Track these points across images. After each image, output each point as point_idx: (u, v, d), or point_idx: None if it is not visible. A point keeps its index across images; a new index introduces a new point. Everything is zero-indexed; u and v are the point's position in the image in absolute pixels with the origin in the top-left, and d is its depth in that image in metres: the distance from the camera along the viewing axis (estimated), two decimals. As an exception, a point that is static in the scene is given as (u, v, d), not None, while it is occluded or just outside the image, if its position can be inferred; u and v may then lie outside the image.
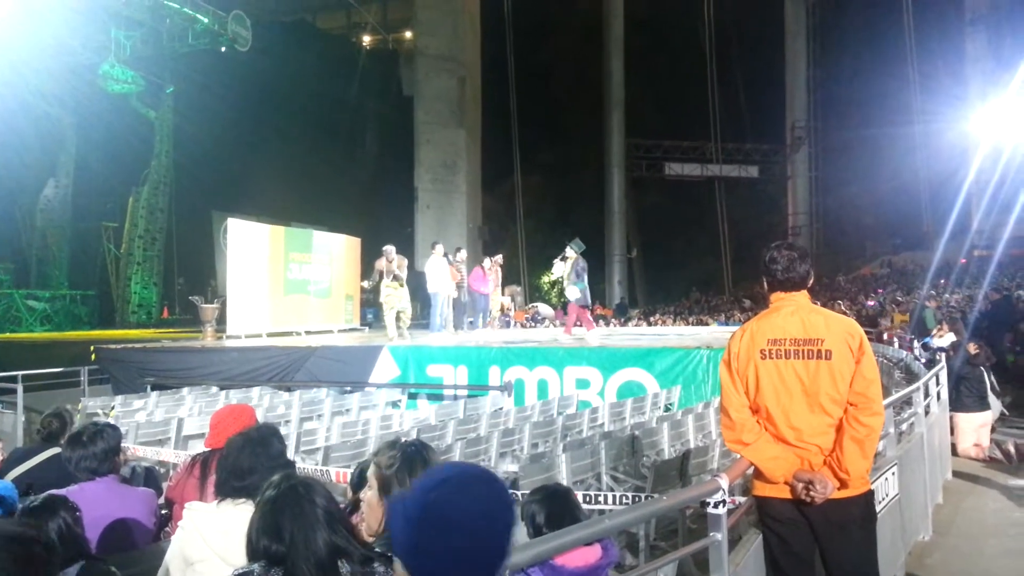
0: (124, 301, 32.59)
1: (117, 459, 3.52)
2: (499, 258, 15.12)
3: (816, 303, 3.19)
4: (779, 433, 3.00)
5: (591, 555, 2.47)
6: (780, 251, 3.13)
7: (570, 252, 12.28)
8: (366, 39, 41.15)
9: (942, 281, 23.36)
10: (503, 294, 16.44)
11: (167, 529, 3.52)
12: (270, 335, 14.77)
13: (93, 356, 12.94)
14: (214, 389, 10.70)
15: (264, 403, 9.14)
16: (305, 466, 5.41)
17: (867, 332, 3.72)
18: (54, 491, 2.99)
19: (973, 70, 30.28)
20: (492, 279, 14.75)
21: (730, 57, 36.17)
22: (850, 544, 2.98)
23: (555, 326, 13.56)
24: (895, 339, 14.27)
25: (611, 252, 38.24)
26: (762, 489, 3.08)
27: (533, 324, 22.83)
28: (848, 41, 36.12)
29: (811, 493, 2.89)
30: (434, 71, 31.73)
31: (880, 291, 26.22)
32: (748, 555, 3.14)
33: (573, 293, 12.36)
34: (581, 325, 12.91)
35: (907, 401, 6.17)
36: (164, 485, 4.45)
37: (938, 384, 7.40)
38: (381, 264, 12.57)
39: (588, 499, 4.29)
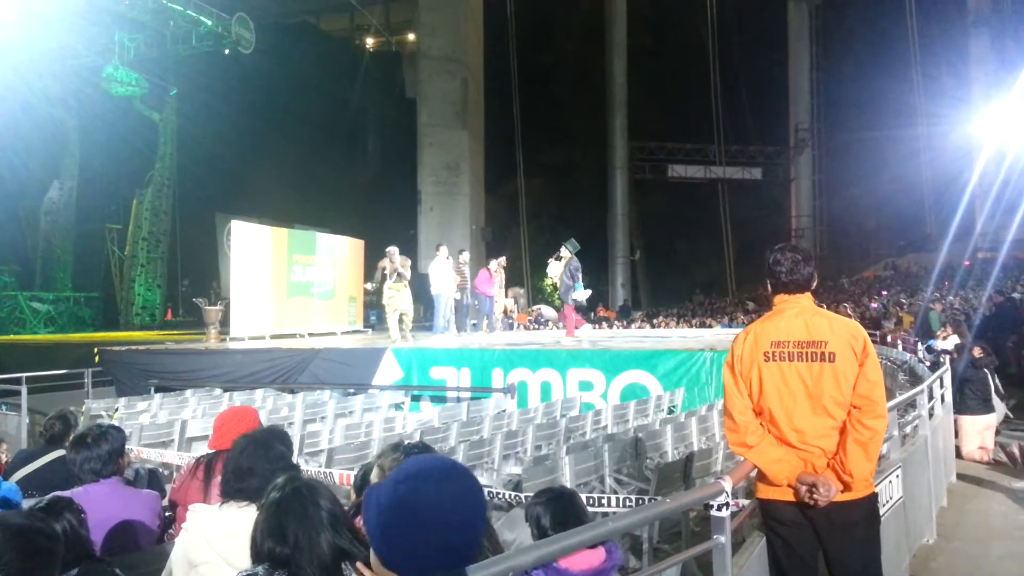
0: (128, 303, 32.65)
1: (121, 461, 3.52)
2: (503, 260, 15.11)
3: (822, 306, 3.19)
4: (782, 436, 3.00)
5: (595, 558, 2.46)
6: (784, 253, 3.13)
7: (564, 252, 12.29)
8: (369, 41, 41.22)
9: (945, 284, 23.32)
10: (506, 296, 16.43)
11: (171, 531, 3.52)
12: (273, 337, 14.79)
13: (97, 358, 12.96)
14: (218, 391, 10.71)
15: (268, 405, 9.14)
16: (309, 468, 5.41)
17: (870, 334, 3.72)
18: (59, 493, 2.99)
19: (977, 72, 30.26)
20: (497, 281, 14.75)
21: (733, 59, 36.16)
22: (854, 547, 2.97)
23: (558, 328, 13.55)
24: (899, 341, 14.25)
25: (614, 254, 38.25)
26: (766, 492, 3.07)
27: (536, 326, 22.84)
28: (851, 43, 36.12)
29: (815, 496, 2.88)
30: (437, 73, 31.78)
31: (884, 293, 26.18)
32: (752, 558, 3.14)
33: (581, 295, 12.35)
34: (565, 324, 12.93)
35: (911, 404, 6.15)
36: (168, 487, 4.46)
37: (942, 387, 7.39)
38: (384, 264, 12.56)
39: (591, 501, 4.28)
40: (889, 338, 15.32)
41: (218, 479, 3.05)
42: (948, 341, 11.22)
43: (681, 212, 39.18)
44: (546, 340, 13.23)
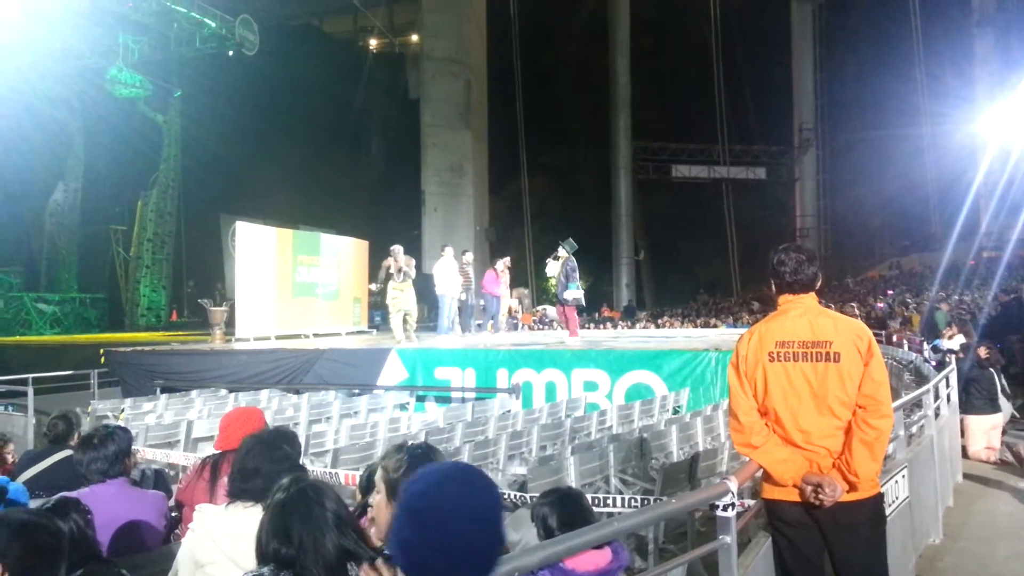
0: (133, 304, 32.73)
1: (128, 462, 3.53)
2: (508, 260, 15.12)
3: (830, 306, 3.19)
4: (788, 436, 2.99)
5: (601, 559, 2.46)
6: (788, 253, 3.12)
7: (562, 252, 12.29)
8: (373, 43, 41.28)
9: (950, 283, 23.27)
10: (511, 296, 16.44)
11: (177, 531, 3.54)
12: (278, 338, 14.81)
13: (102, 359, 12.99)
14: (223, 392, 10.73)
15: (273, 406, 9.15)
16: (314, 468, 5.41)
17: (876, 334, 3.71)
18: (66, 493, 3.00)
19: (981, 71, 30.19)
20: (504, 281, 14.77)
21: (737, 59, 36.15)
22: (859, 547, 2.97)
23: (562, 328, 13.53)
24: (904, 341, 14.21)
25: (618, 254, 38.25)
26: (771, 492, 3.07)
27: (541, 326, 22.84)
28: (855, 43, 36.07)
29: (820, 496, 2.88)
30: (440, 74, 31.80)
31: (889, 293, 26.13)
32: (757, 558, 3.13)
33: (572, 294, 12.32)
34: (567, 325, 12.92)
35: (917, 403, 6.13)
36: (174, 488, 4.47)
37: (948, 386, 7.37)
38: (388, 264, 12.53)
39: (597, 502, 4.28)
40: (895, 338, 15.28)
41: (224, 479, 3.06)
42: (954, 341, 11.20)
43: (685, 212, 39.18)
44: (551, 340, 13.22)
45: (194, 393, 10.72)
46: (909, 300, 22.03)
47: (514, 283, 15.47)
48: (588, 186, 40.60)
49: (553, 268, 12.49)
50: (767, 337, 3.06)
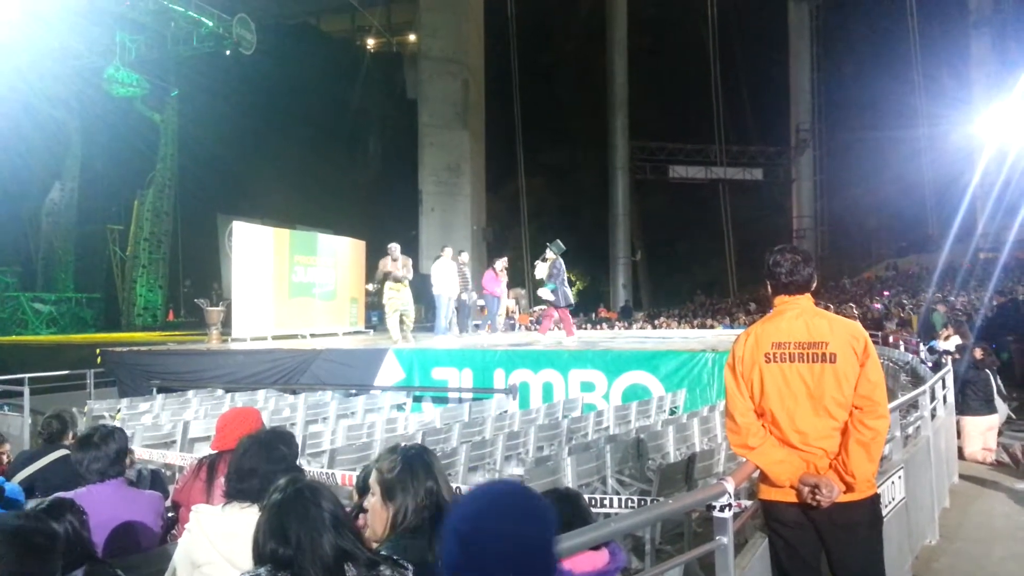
0: (130, 304, 32.70)
1: (124, 462, 3.53)
2: (505, 261, 15.12)
3: (829, 307, 3.19)
4: (784, 437, 3.00)
5: (599, 560, 2.46)
6: (783, 254, 3.13)
7: (550, 253, 12.35)
8: (370, 42, 41.28)
9: (947, 285, 23.31)
10: (508, 297, 16.44)
11: (174, 532, 3.53)
12: (275, 338, 14.80)
13: (99, 359, 12.96)
14: (220, 392, 10.72)
15: (269, 406, 9.14)
16: (311, 469, 5.41)
17: (872, 335, 3.72)
18: (61, 494, 3.00)
19: (978, 72, 30.24)
20: (503, 281, 14.80)
21: (734, 59, 36.18)
22: (856, 548, 2.98)
23: (559, 329, 13.55)
24: (901, 342, 14.24)
25: (615, 255, 38.26)
26: (768, 493, 3.07)
27: (538, 327, 22.80)
28: (852, 43, 36.12)
29: (817, 497, 2.88)
30: (438, 74, 31.79)
31: (885, 294, 26.17)
32: (754, 559, 3.14)
33: (545, 294, 12.42)
34: (555, 325, 12.96)
35: (913, 404, 6.14)
36: (171, 488, 4.46)
37: (944, 387, 7.38)
38: (386, 263, 12.50)
39: (594, 502, 4.28)
40: (891, 339, 15.31)
41: (221, 480, 3.06)
42: (949, 342, 11.22)
43: (682, 213, 39.21)
44: (548, 341, 13.23)
45: (191, 393, 10.70)
46: (906, 301, 22.06)
47: (511, 283, 15.47)
48: (585, 186, 40.64)
49: (541, 270, 12.55)
50: (763, 338, 3.06)
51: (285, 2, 37.15)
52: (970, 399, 8.68)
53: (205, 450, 5.72)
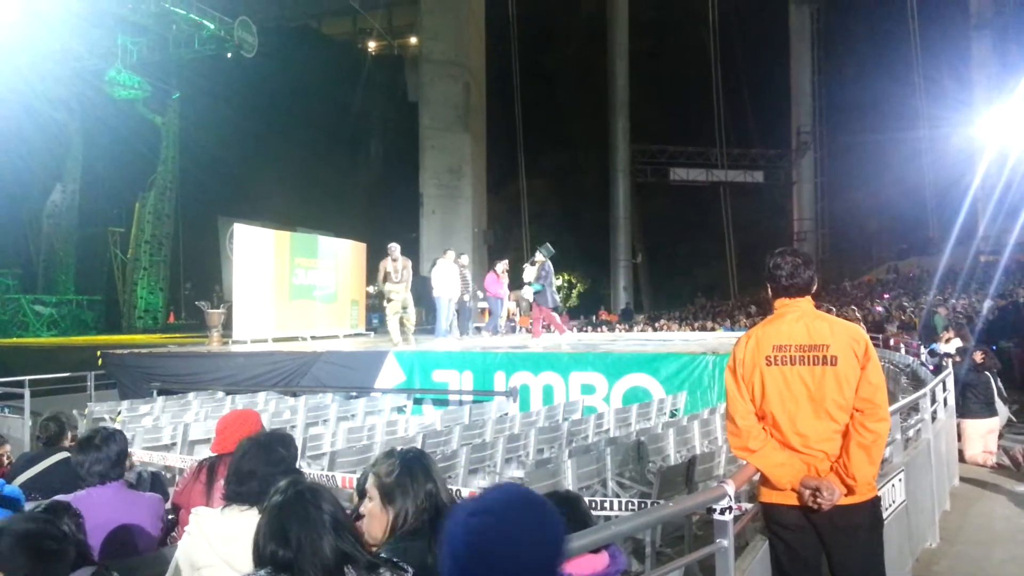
0: (130, 306, 32.71)
1: (124, 464, 3.53)
2: (506, 264, 15.13)
3: (831, 310, 3.19)
4: (785, 439, 3.00)
5: (599, 563, 2.46)
6: (784, 257, 3.13)
7: (539, 256, 12.37)
8: (371, 45, 41.32)
9: (948, 287, 23.29)
10: (508, 299, 16.43)
11: (174, 534, 3.53)
12: (276, 340, 14.78)
13: (99, 361, 12.96)
14: (220, 394, 10.72)
15: (270, 408, 9.14)
16: (311, 471, 5.41)
17: (873, 338, 3.71)
18: (58, 497, 3.00)
19: (979, 75, 30.24)
20: (505, 283, 14.81)
21: (735, 62, 36.20)
22: (857, 550, 2.98)
23: (549, 331, 13.57)
24: (902, 345, 14.22)
25: (616, 257, 38.26)
26: (768, 495, 3.07)
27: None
28: (853, 45, 36.13)
29: (818, 500, 2.88)
30: (439, 76, 31.82)
31: (886, 296, 26.14)
32: (754, 561, 3.14)
33: (528, 293, 12.47)
34: (548, 326, 12.97)
35: (914, 407, 6.14)
36: (171, 490, 4.46)
37: (945, 390, 7.38)
38: (385, 264, 12.47)
39: (594, 505, 4.28)
40: (892, 341, 15.29)
41: (221, 482, 3.06)
42: (950, 344, 11.21)
43: (683, 215, 39.22)
44: (548, 343, 13.23)
45: (191, 395, 10.70)
46: (906, 304, 22.04)
47: (512, 286, 15.48)
48: (586, 188, 40.65)
49: (530, 273, 12.58)
50: (764, 341, 3.06)
51: (286, 5, 37.23)
52: (971, 402, 8.68)
53: (205, 452, 5.72)
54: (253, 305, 14.77)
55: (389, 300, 12.42)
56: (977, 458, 8.46)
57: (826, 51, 37.53)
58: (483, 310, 16.11)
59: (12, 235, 30.46)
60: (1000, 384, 9.21)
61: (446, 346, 12.26)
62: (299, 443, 6.70)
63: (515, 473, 6.42)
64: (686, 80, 36.74)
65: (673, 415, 8.83)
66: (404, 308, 12.49)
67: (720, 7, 34.59)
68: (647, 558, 4.77)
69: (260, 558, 2.01)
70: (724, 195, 37.02)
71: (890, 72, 31.97)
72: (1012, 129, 24.57)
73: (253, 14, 28.15)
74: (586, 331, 22.35)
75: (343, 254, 17.69)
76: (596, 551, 2.43)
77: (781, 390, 2.99)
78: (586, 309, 37.11)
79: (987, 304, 17.10)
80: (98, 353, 13.26)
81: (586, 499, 3.96)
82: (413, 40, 37.41)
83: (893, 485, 4.40)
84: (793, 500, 2.98)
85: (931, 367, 10.77)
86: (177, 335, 25.13)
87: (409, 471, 2.32)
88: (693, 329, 23.79)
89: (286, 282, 15.62)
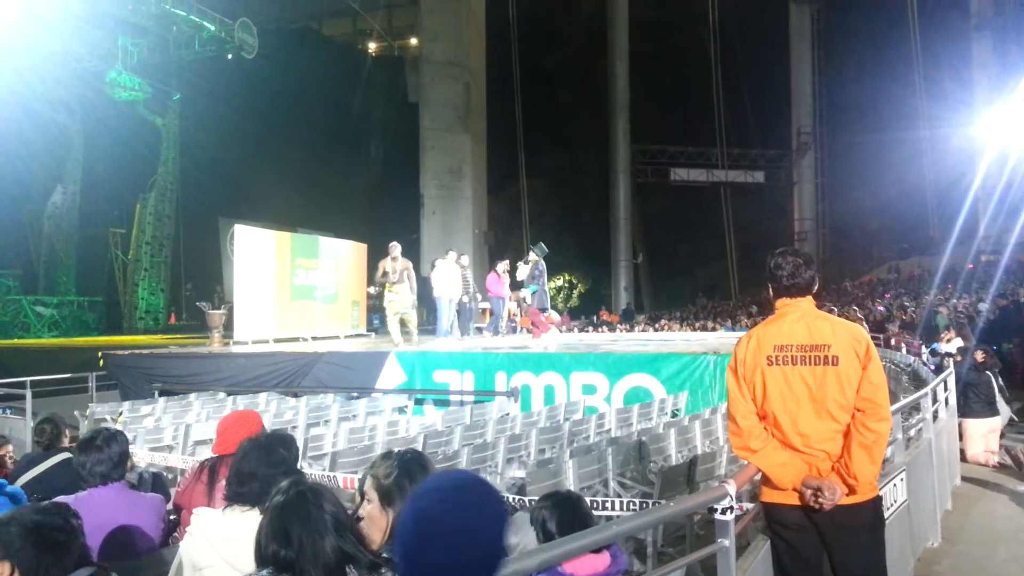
0: (132, 307, 32.73)
1: (126, 465, 3.53)
2: (507, 264, 15.13)
3: (833, 310, 3.19)
4: (786, 439, 3.00)
5: (600, 563, 2.46)
6: (785, 257, 3.13)
7: (532, 255, 12.38)
8: (372, 46, 41.31)
9: (948, 287, 23.27)
10: (510, 299, 16.45)
11: (175, 535, 3.53)
12: (277, 341, 14.79)
13: (101, 362, 12.97)
14: (221, 395, 10.73)
15: (271, 409, 9.14)
16: (312, 472, 5.41)
17: (874, 338, 3.71)
18: (62, 497, 3.00)
19: (979, 75, 30.23)
20: (506, 283, 14.82)
21: (735, 62, 36.19)
22: (858, 550, 2.97)
23: (560, 331, 13.56)
24: (903, 344, 14.21)
25: (617, 257, 38.26)
26: (770, 495, 3.07)
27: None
28: (853, 45, 36.12)
29: (820, 499, 2.88)
30: (439, 77, 31.81)
31: (887, 296, 26.13)
32: (756, 561, 3.14)
33: (526, 295, 12.50)
34: (535, 327, 12.99)
35: (915, 407, 6.14)
36: (172, 491, 4.46)
37: (946, 390, 7.38)
38: (386, 263, 12.46)
39: (595, 505, 4.28)
40: (893, 341, 15.29)
41: (222, 483, 3.06)
42: (952, 344, 11.20)
43: (684, 215, 39.22)
44: (550, 344, 13.23)
45: (192, 396, 10.71)
46: (908, 303, 22.03)
47: (512, 286, 15.50)
48: (587, 189, 40.64)
49: (523, 272, 12.58)
50: (765, 341, 3.07)
51: (287, 6, 37.24)
52: (972, 401, 8.68)
53: (207, 453, 5.73)
54: (254, 306, 14.78)
55: (389, 302, 12.44)
56: (979, 457, 8.46)
57: (826, 51, 37.53)
58: (484, 310, 16.10)
59: (13, 236, 30.50)
60: (1001, 383, 9.21)
61: (447, 346, 12.26)
62: (300, 444, 6.70)
63: (516, 473, 6.42)
64: (686, 80, 36.72)
65: (674, 415, 8.83)
66: (404, 309, 12.50)
67: (720, 7, 34.60)
68: (649, 558, 4.77)
69: (262, 558, 2.01)
70: (725, 195, 37.01)
71: (890, 72, 31.97)
72: (1012, 129, 24.57)
73: (253, 15, 28.16)
74: (587, 331, 22.35)
75: (344, 255, 17.70)
76: (598, 551, 2.43)
77: (782, 390, 2.99)
78: (587, 309, 37.10)
79: (984, 305, 17.09)
80: (99, 354, 13.28)
81: (587, 499, 3.96)
82: (413, 41, 37.40)
83: (895, 485, 4.40)
84: (794, 500, 2.98)
85: (932, 367, 10.77)
86: (178, 336, 25.14)
87: (407, 472, 2.33)
88: (694, 329, 23.78)
89: (287, 283, 15.63)
